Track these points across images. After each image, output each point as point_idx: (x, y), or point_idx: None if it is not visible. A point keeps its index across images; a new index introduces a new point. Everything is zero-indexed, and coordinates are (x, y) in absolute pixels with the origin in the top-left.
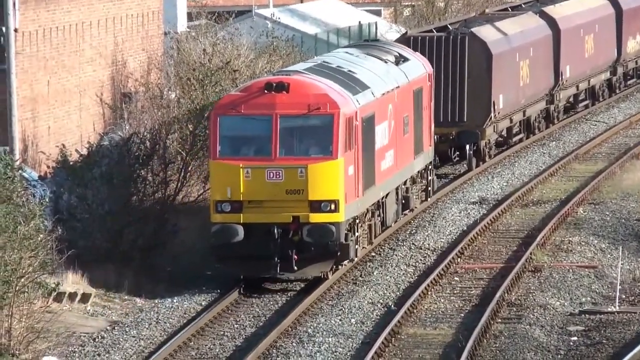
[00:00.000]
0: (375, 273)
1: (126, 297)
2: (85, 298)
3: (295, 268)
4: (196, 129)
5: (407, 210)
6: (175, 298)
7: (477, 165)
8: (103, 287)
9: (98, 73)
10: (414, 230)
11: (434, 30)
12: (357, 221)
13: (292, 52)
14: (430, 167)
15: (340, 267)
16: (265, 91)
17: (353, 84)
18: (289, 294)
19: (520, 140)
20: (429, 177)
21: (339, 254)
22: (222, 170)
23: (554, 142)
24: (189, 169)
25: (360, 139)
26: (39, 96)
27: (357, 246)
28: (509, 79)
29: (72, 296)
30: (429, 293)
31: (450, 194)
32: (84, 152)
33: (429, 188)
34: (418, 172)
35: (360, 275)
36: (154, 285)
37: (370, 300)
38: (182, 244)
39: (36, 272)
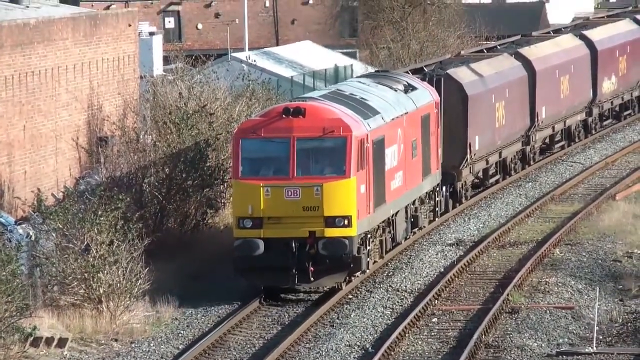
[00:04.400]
0: (352, 315)
1: (103, 341)
2: (62, 343)
3: (312, 279)
4: (172, 173)
5: (416, 229)
6: (152, 342)
7: (454, 207)
8: (80, 332)
9: (74, 117)
10: (391, 272)
11: (410, 72)
12: (369, 236)
13: (271, 97)
14: (437, 188)
15: (353, 278)
16: (283, 116)
17: (364, 109)
18: (266, 338)
19: (497, 182)
20: (437, 198)
21: (352, 266)
22: (243, 189)
23: (530, 183)
24: (166, 212)
25: (371, 160)
26: (15, 141)
27: (368, 259)
28: (484, 120)
29: (48, 341)
30: (407, 335)
31: (427, 236)
32: (60, 196)
33: (437, 209)
34: (426, 193)
35: (338, 318)
36: (131, 329)
37: (347, 343)
38: (158, 289)
39: (13, 316)
